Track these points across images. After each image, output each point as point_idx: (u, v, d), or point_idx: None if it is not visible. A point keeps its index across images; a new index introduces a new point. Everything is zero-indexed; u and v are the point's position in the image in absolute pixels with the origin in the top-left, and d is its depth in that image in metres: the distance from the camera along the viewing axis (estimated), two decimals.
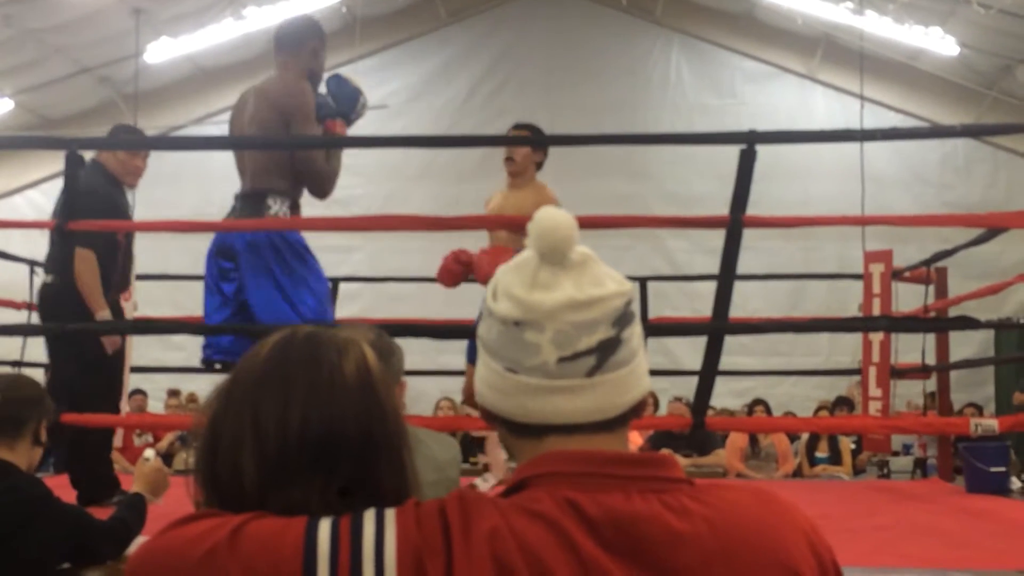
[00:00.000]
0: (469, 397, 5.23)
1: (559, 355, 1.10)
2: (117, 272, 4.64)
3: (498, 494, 1.11)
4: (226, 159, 4.48)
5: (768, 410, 8.97)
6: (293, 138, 4.25)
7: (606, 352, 1.12)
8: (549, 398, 1.11)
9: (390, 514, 1.06)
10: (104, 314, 4.41)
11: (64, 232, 4.35)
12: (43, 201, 11.69)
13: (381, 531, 1.04)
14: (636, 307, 1.17)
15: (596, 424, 1.13)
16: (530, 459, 1.13)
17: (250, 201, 4.29)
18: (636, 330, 1.16)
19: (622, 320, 1.13)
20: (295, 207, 4.34)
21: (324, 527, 1.04)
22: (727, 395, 9.96)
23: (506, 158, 5.05)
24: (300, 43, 4.39)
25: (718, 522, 1.07)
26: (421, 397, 10.15)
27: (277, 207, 4.23)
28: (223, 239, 4.31)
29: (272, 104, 4.28)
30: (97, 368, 4.48)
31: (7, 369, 5.28)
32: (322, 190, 4.37)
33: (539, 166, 5.11)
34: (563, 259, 1.13)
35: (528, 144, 5.05)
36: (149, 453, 3.24)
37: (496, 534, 1.03)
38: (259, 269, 4.15)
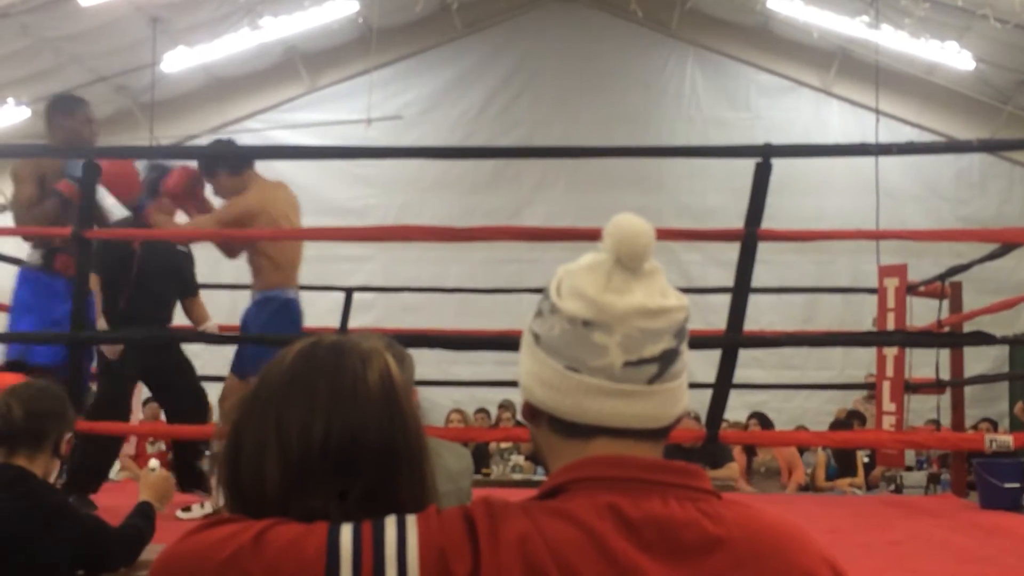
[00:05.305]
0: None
1: (625, 359, 1.12)
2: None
3: (530, 498, 1.12)
4: None
5: (766, 423, 8.67)
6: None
7: (667, 362, 1.14)
8: (609, 400, 1.13)
9: (411, 518, 1.07)
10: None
11: (80, 240, 4.44)
12: None
13: (403, 534, 1.05)
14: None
15: (648, 431, 1.15)
16: (567, 464, 1.14)
17: None
18: (687, 346, 1.18)
19: (681, 334, 1.16)
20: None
21: (346, 531, 1.06)
22: (740, 408, 9.91)
23: None
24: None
25: (749, 529, 1.10)
26: (433, 408, 10.16)
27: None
28: None
29: None
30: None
31: None
32: None
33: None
34: (639, 266, 1.15)
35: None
36: (154, 463, 3.36)
37: (526, 538, 1.04)
38: None
